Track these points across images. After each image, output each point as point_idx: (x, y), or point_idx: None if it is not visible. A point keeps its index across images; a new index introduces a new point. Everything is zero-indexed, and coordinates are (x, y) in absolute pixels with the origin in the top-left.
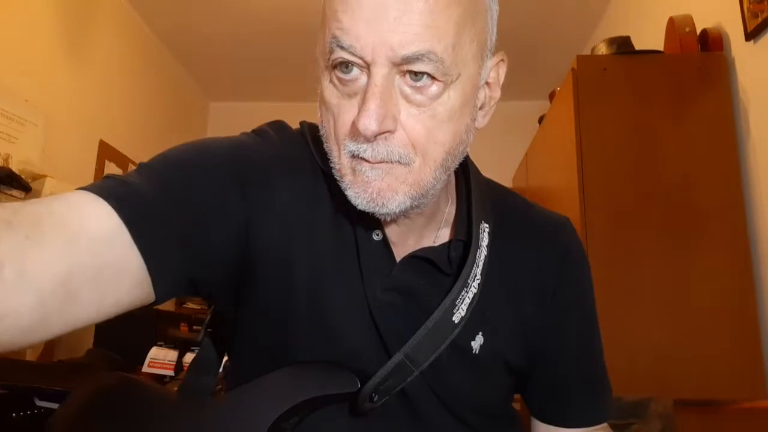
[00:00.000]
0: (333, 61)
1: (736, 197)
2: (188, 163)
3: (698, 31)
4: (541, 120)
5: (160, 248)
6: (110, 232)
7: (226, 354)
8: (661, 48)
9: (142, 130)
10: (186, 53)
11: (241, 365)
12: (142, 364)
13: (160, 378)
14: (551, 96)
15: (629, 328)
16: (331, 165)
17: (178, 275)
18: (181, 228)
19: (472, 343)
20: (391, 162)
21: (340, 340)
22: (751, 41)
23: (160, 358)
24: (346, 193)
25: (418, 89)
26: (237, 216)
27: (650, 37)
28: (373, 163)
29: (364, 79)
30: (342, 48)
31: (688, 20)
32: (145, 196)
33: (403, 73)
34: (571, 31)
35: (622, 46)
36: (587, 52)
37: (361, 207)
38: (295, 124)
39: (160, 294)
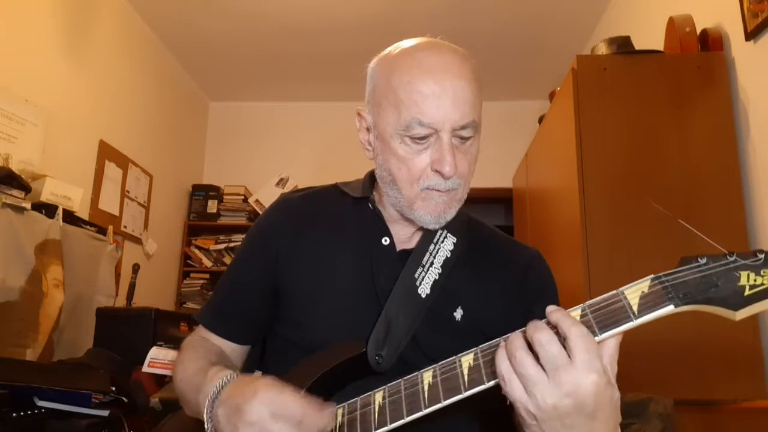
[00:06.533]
0: (414, 134)
1: (736, 197)
2: (238, 251)
3: (698, 31)
4: (541, 120)
5: (232, 329)
6: (213, 338)
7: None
8: (661, 48)
9: (142, 130)
10: (186, 53)
11: (274, 359)
12: (142, 364)
13: (160, 378)
14: (551, 96)
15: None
16: (393, 196)
17: (250, 328)
18: (239, 304)
19: (454, 313)
20: (452, 190)
21: (350, 313)
22: (751, 41)
23: (160, 358)
24: (414, 214)
25: (464, 142)
26: (266, 276)
27: (650, 37)
28: (443, 192)
29: (432, 140)
30: (421, 125)
31: (688, 20)
32: (213, 304)
33: (456, 134)
34: (571, 31)
35: (622, 46)
36: (587, 52)
37: (427, 222)
38: (296, 123)
39: (245, 343)
